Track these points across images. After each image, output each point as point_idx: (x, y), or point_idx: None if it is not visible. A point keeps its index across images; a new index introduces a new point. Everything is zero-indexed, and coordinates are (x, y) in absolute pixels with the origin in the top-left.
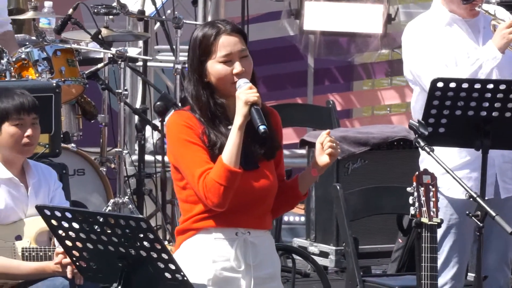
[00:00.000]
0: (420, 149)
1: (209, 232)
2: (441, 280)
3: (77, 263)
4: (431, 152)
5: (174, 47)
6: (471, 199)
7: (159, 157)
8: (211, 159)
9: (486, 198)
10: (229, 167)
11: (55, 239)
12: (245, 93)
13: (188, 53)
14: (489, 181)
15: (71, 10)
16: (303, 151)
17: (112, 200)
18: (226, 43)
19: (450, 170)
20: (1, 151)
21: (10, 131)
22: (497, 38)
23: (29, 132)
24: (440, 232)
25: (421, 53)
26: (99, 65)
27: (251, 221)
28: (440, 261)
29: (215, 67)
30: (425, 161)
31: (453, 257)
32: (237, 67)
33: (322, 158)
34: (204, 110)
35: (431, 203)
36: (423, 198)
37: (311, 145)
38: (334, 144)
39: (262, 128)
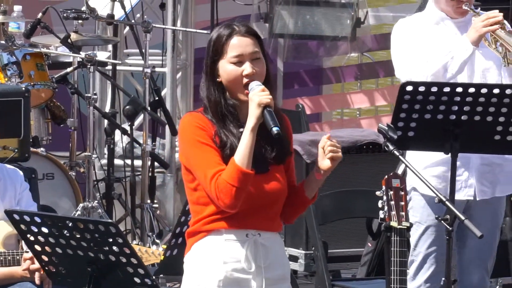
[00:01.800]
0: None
1: (220, 233)
2: (417, 281)
3: (46, 268)
4: (400, 156)
5: (143, 51)
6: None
7: (128, 161)
8: (223, 160)
9: (465, 199)
10: (241, 169)
11: (23, 242)
12: (258, 95)
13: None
14: (468, 183)
15: (40, 14)
16: None
17: (81, 205)
18: (238, 44)
19: (420, 174)
20: None
21: None
22: (471, 31)
23: None
24: (417, 232)
25: (403, 50)
26: (69, 69)
27: (262, 223)
28: (416, 262)
29: (225, 67)
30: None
31: (429, 258)
32: (247, 68)
33: (325, 162)
34: (215, 109)
35: (401, 207)
36: (392, 202)
37: None
38: (335, 148)
39: (275, 129)
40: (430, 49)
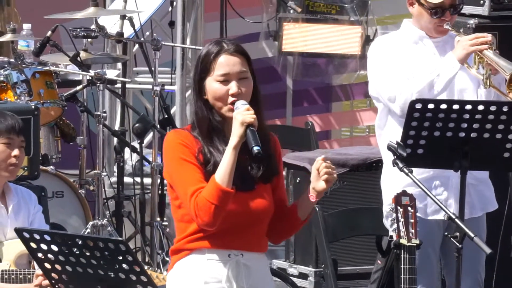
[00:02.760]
0: (399, 171)
1: (202, 252)
2: None
3: (57, 286)
4: (409, 174)
5: (152, 69)
6: (449, 220)
7: (138, 179)
8: (205, 178)
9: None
10: (221, 187)
11: (34, 262)
12: (242, 114)
13: None
14: (448, 202)
15: (49, 32)
16: None
17: (91, 223)
18: (225, 63)
19: (429, 191)
20: None
21: None
22: (458, 49)
23: (16, 152)
24: None
25: (382, 68)
26: (78, 87)
27: (245, 243)
28: None
29: (212, 85)
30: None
31: (419, 280)
32: (233, 87)
33: (319, 184)
34: (202, 125)
35: (410, 224)
36: (401, 220)
37: (290, 167)
38: (330, 170)
39: (256, 149)
40: (410, 68)
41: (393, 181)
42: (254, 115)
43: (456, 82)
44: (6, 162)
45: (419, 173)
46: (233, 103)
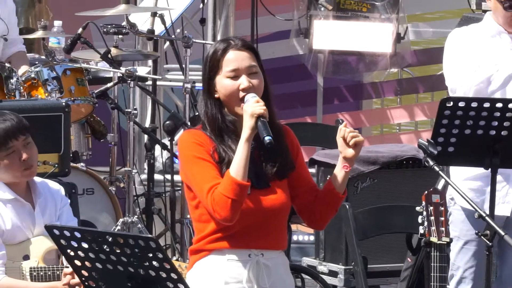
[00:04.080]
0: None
1: (223, 253)
2: None
3: (86, 283)
4: (440, 172)
5: (183, 66)
6: (480, 218)
7: (168, 176)
8: (220, 176)
9: (503, 215)
10: (236, 180)
11: (63, 257)
12: (252, 106)
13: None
14: (507, 199)
15: (80, 29)
16: (312, 170)
17: (121, 220)
18: (234, 58)
19: (460, 189)
20: (3, 177)
21: (5, 162)
22: None
23: (24, 156)
24: (456, 247)
25: (453, 60)
26: (109, 85)
27: (264, 242)
28: (456, 277)
29: (222, 82)
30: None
31: (469, 273)
32: (244, 82)
33: (348, 151)
34: (213, 125)
35: (440, 222)
36: (432, 217)
37: (321, 164)
38: (356, 133)
39: (267, 139)
40: (482, 62)
41: (454, 174)
42: (264, 107)
43: None
44: (19, 170)
45: (480, 168)
46: (243, 99)
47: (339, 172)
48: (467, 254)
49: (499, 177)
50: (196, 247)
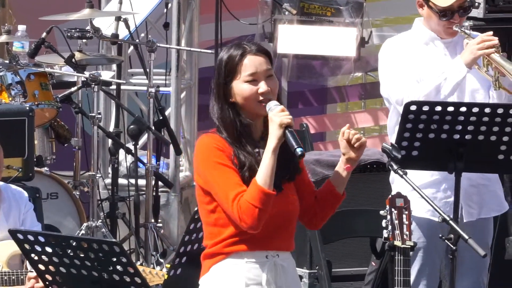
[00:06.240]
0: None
1: (241, 256)
2: None
3: (50, 287)
4: (404, 176)
5: (147, 70)
6: (444, 222)
7: (132, 181)
8: (242, 181)
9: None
10: (263, 189)
11: (27, 262)
12: (279, 115)
13: (214, 75)
14: (462, 203)
15: (44, 33)
16: None
17: (85, 224)
18: (252, 63)
19: (424, 194)
20: None
21: None
22: (466, 53)
23: None
24: None
25: (392, 69)
26: (73, 89)
27: (279, 243)
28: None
29: (240, 87)
30: (396, 181)
31: (421, 281)
32: (263, 86)
33: (352, 153)
34: (230, 130)
35: (404, 226)
36: (396, 221)
37: None
38: (360, 135)
39: (299, 150)
40: (420, 69)
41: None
42: (290, 116)
43: (468, 83)
44: None
45: (428, 176)
46: (261, 102)
47: (341, 172)
48: (418, 263)
49: (445, 185)
50: (211, 251)
